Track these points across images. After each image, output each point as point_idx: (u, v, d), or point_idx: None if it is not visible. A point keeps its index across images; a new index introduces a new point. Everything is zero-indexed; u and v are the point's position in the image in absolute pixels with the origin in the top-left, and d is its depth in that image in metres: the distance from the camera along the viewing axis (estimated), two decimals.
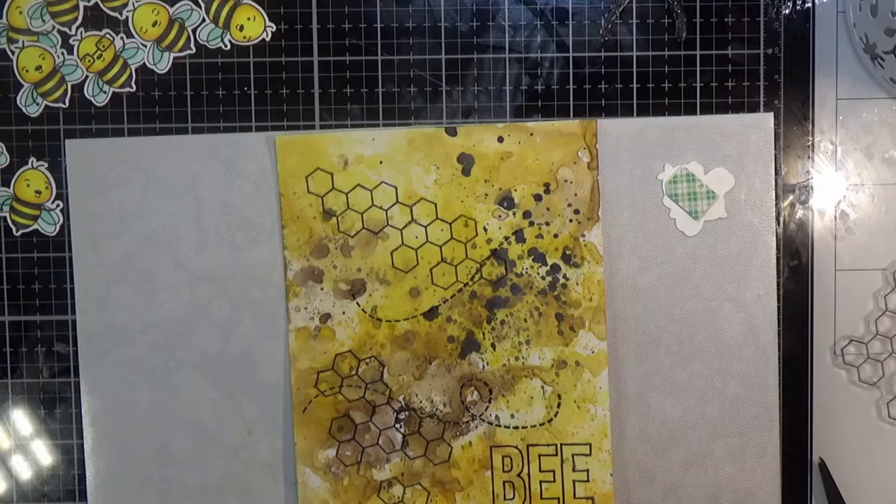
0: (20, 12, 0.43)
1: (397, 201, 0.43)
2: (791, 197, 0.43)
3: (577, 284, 0.42)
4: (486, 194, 0.42)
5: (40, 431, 0.44)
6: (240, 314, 0.43)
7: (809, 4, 0.43)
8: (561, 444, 0.43)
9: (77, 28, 0.43)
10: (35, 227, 0.44)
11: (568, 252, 0.42)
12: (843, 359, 0.44)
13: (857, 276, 0.44)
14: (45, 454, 0.44)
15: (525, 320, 0.43)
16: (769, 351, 0.43)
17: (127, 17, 0.43)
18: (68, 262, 0.44)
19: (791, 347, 0.43)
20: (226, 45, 0.43)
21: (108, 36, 0.43)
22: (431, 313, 0.43)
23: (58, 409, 0.44)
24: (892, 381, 0.44)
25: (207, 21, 0.43)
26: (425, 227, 0.43)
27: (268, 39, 0.43)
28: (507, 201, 0.42)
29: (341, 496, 0.43)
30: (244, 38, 0.43)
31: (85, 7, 0.43)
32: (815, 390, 0.43)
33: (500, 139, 0.42)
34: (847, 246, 0.44)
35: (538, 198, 0.42)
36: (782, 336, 0.43)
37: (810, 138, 0.43)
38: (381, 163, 0.42)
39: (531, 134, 0.42)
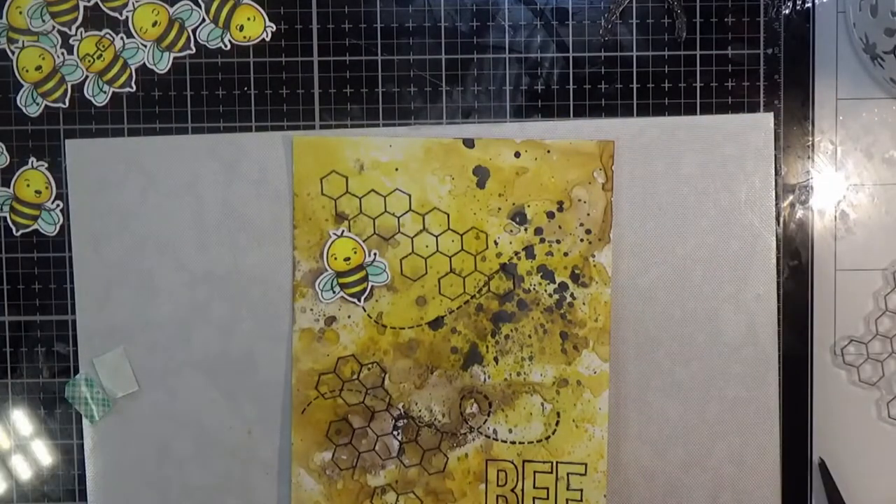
0: (20, 12, 0.43)
1: (410, 209, 0.42)
2: (791, 197, 0.43)
3: (584, 304, 0.42)
4: (500, 208, 0.42)
5: (40, 431, 0.44)
6: (240, 314, 0.43)
7: (809, 4, 0.43)
8: (556, 462, 0.43)
9: (77, 28, 0.43)
10: (35, 227, 0.44)
11: (577, 271, 0.42)
12: (843, 359, 0.44)
13: (857, 276, 0.44)
14: (45, 454, 0.44)
15: (529, 336, 0.42)
16: (769, 351, 0.43)
17: (127, 17, 0.43)
18: (68, 262, 0.44)
19: (791, 347, 0.43)
20: (226, 45, 0.43)
21: (108, 36, 0.43)
22: (436, 323, 0.43)
23: (58, 409, 0.44)
24: (892, 381, 0.44)
25: (207, 21, 0.43)
26: (436, 236, 0.42)
27: (268, 39, 0.43)
28: (519, 216, 0.42)
29: (334, 499, 0.43)
30: (244, 38, 0.43)
31: (85, 7, 0.43)
32: (815, 390, 0.43)
33: (517, 154, 0.42)
34: (847, 246, 0.44)
35: (551, 215, 0.42)
36: (782, 336, 0.43)
37: (810, 138, 0.43)
38: (396, 170, 0.42)
39: (548, 151, 0.42)
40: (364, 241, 0.42)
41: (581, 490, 0.43)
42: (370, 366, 0.43)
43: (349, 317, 0.43)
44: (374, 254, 0.42)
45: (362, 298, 0.42)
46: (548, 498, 0.43)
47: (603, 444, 0.42)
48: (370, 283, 0.42)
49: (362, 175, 0.42)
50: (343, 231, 0.42)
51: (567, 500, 0.43)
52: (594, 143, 0.42)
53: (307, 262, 0.43)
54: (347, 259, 0.42)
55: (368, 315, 0.43)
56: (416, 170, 0.42)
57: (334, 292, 0.42)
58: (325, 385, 0.43)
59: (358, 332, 0.43)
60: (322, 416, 0.43)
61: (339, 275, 0.42)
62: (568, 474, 0.43)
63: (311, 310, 0.43)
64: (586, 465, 0.43)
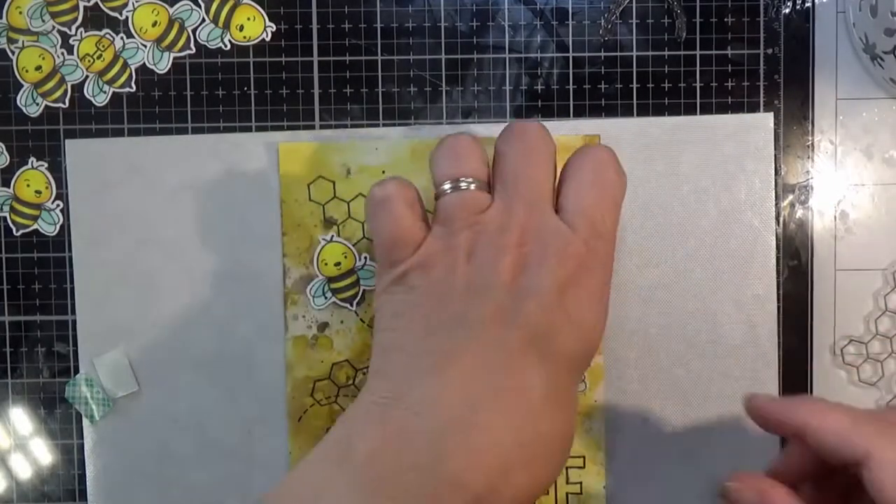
0: (20, 12, 0.43)
1: None
2: (791, 197, 0.43)
3: None
4: None
5: (40, 431, 0.45)
6: (240, 315, 0.43)
7: (809, 4, 0.43)
8: None
9: (77, 28, 0.43)
10: (35, 227, 0.44)
11: None
12: (843, 359, 0.44)
13: (857, 276, 0.44)
14: (45, 454, 0.45)
15: None
16: (769, 351, 0.43)
17: (127, 17, 0.43)
18: (68, 262, 0.44)
19: (791, 347, 0.43)
20: (226, 45, 0.43)
21: (108, 36, 0.43)
22: None
23: (58, 409, 0.44)
24: (892, 381, 0.44)
25: (207, 21, 0.43)
26: None
27: (268, 39, 0.43)
28: None
29: None
30: (244, 38, 0.43)
31: (85, 7, 0.43)
32: (814, 390, 0.43)
33: None
34: (847, 246, 0.44)
35: None
36: (782, 336, 0.43)
37: (810, 138, 0.43)
38: (383, 172, 0.42)
39: None
40: (354, 245, 0.42)
41: (580, 483, 0.43)
42: (365, 371, 0.43)
43: (342, 322, 0.43)
44: (365, 257, 0.42)
45: (354, 303, 0.42)
46: (547, 492, 0.43)
47: (601, 435, 0.42)
48: (362, 287, 0.42)
49: (349, 179, 0.42)
50: (332, 236, 0.42)
51: (567, 493, 0.43)
52: (580, 138, 0.42)
53: (297, 268, 0.42)
54: (338, 264, 0.42)
55: (361, 319, 0.43)
56: (404, 172, 0.42)
57: (326, 298, 0.42)
58: (321, 392, 0.43)
59: (351, 337, 0.43)
60: (319, 422, 0.43)
61: (331, 280, 0.42)
62: (567, 467, 0.43)
63: (304, 317, 0.43)
64: (584, 457, 0.43)
